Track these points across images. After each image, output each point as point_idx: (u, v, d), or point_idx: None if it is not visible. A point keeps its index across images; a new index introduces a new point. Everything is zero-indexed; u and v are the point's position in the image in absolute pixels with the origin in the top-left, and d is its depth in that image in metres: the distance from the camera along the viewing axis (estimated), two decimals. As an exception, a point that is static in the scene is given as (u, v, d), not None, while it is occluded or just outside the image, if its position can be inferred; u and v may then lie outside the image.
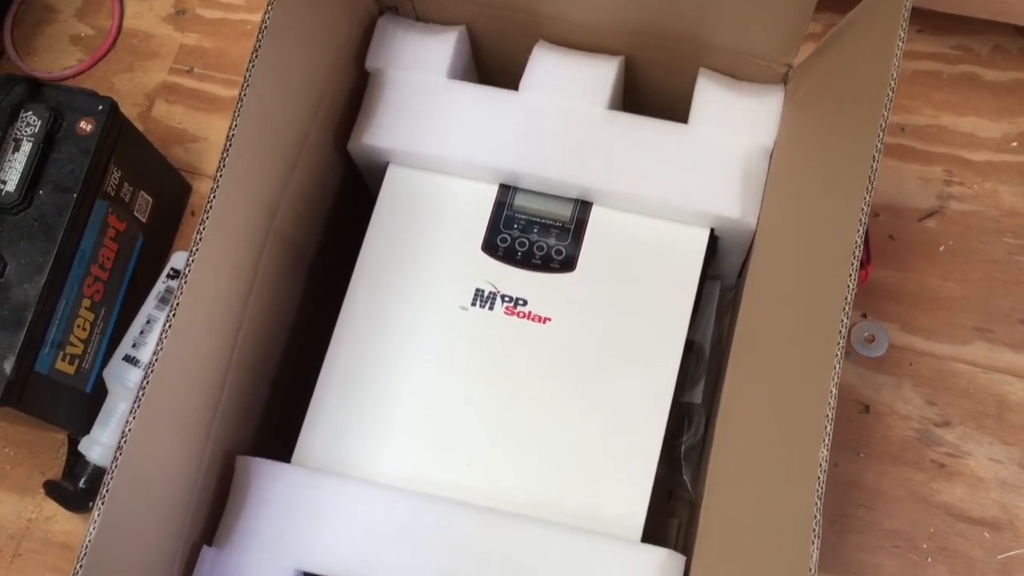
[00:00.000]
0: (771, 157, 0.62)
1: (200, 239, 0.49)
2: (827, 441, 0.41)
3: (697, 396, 0.67)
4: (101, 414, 0.70)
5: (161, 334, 0.49)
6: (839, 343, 0.44)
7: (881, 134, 0.47)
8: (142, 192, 0.73)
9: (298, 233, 0.64)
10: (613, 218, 0.63)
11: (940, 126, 0.76)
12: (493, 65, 0.69)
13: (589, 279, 0.62)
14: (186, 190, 0.80)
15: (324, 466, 0.59)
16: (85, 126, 0.67)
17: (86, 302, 0.68)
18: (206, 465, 0.57)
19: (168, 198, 0.77)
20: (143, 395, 0.48)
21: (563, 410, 0.59)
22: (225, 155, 0.52)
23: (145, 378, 0.48)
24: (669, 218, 0.62)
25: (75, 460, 0.71)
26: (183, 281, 0.48)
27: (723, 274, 0.69)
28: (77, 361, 0.69)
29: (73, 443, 0.72)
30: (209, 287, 0.53)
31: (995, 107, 0.76)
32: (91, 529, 0.45)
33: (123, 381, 0.70)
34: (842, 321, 0.44)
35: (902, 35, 0.49)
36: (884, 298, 0.72)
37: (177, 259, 0.73)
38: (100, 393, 0.71)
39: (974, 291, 0.72)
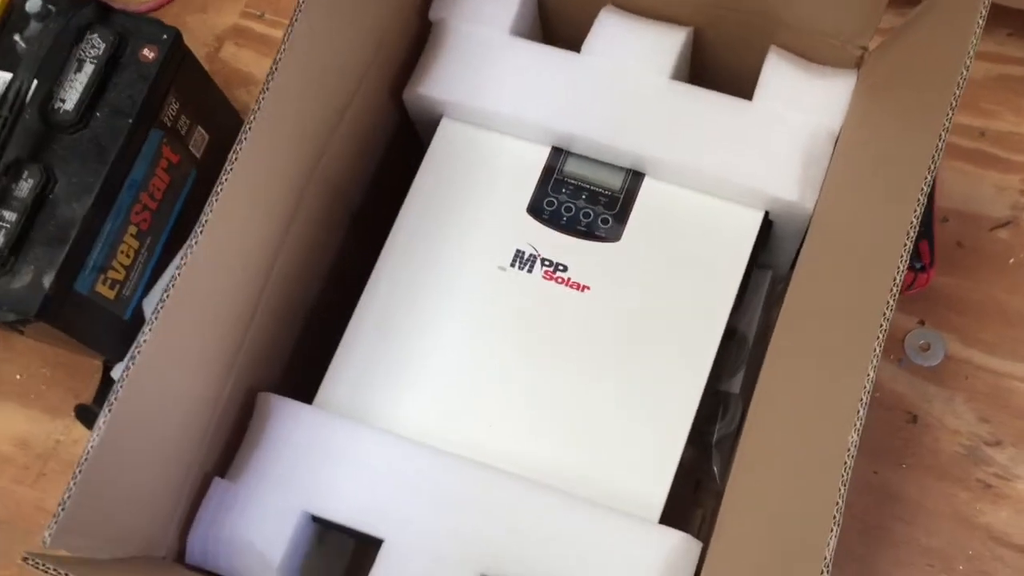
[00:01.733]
0: (836, 142, 0.59)
1: (236, 160, 0.49)
2: (858, 426, 0.39)
3: (735, 386, 0.64)
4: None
5: (182, 256, 0.48)
6: (879, 336, 0.41)
7: (945, 131, 0.45)
8: (199, 127, 0.73)
9: (344, 178, 0.63)
10: (664, 191, 0.61)
11: (1021, 134, 0.72)
12: (559, 26, 0.68)
13: (633, 252, 0.60)
14: (244, 132, 0.80)
15: (345, 411, 0.58)
16: (148, 53, 0.67)
17: (132, 229, 0.69)
18: (226, 398, 0.56)
19: (225, 137, 0.77)
20: (161, 309, 0.47)
21: (592, 381, 0.57)
22: (269, 82, 0.51)
23: (166, 292, 0.47)
24: (723, 196, 0.60)
25: (107, 386, 0.71)
26: (214, 198, 0.48)
27: (775, 264, 0.67)
28: (118, 287, 0.69)
29: (107, 369, 0.73)
30: (240, 216, 0.53)
31: (1084, 118, 0.72)
32: (90, 444, 0.45)
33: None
34: (884, 314, 0.42)
35: (979, 25, 0.46)
36: (945, 306, 0.69)
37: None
38: (137, 321, 0.71)
39: (1037, 303, 0.68)
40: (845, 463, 0.39)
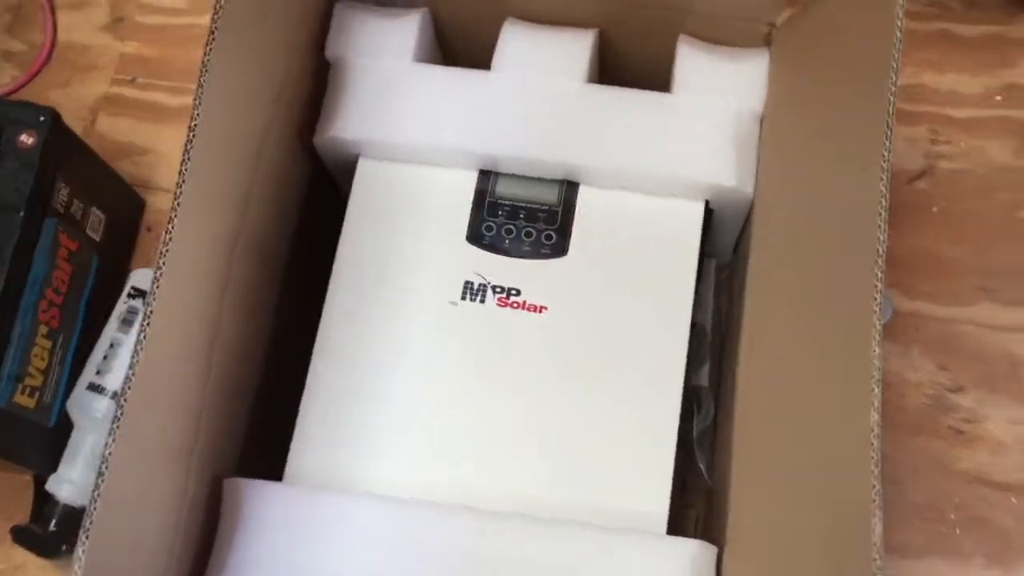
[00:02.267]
0: (761, 122, 0.59)
1: (166, 252, 0.45)
2: (876, 405, 0.38)
3: (703, 378, 0.63)
4: (68, 449, 0.65)
5: (133, 355, 0.44)
6: (875, 309, 0.41)
7: (892, 91, 0.45)
8: (93, 209, 0.68)
9: (267, 238, 0.59)
10: (602, 197, 0.59)
11: (921, 85, 0.74)
12: (458, 48, 0.66)
13: (583, 263, 0.58)
14: (139, 205, 0.75)
15: (320, 482, 0.54)
16: (26, 139, 0.62)
17: (43, 329, 0.63)
18: (191, 493, 0.52)
19: (121, 214, 0.72)
20: (120, 422, 0.43)
21: (569, 402, 0.55)
22: (186, 161, 0.47)
23: (120, 403, 0.43)
24: (661, 193, 0.59)
25: (43, 501, 0.65)
26: (152, 297, 0.44)
27: (717, 251, 0.66)
28: (37, 394, 0.64)
29: (39, 483, 0.67)
30: (180, 301, 0.49)
31: (973, 62, 0.74)
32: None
33: (89, 411, 0.65)
34: (876, 285, 0.41)
35: None
36: (882, 264, 0.69)
37: (137, 277, 0.68)
38: (64, 427, 0.66)
39: (973, 251, 0.69)
40: (872, 444, 0.38)
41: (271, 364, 0.61)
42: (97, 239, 0.69)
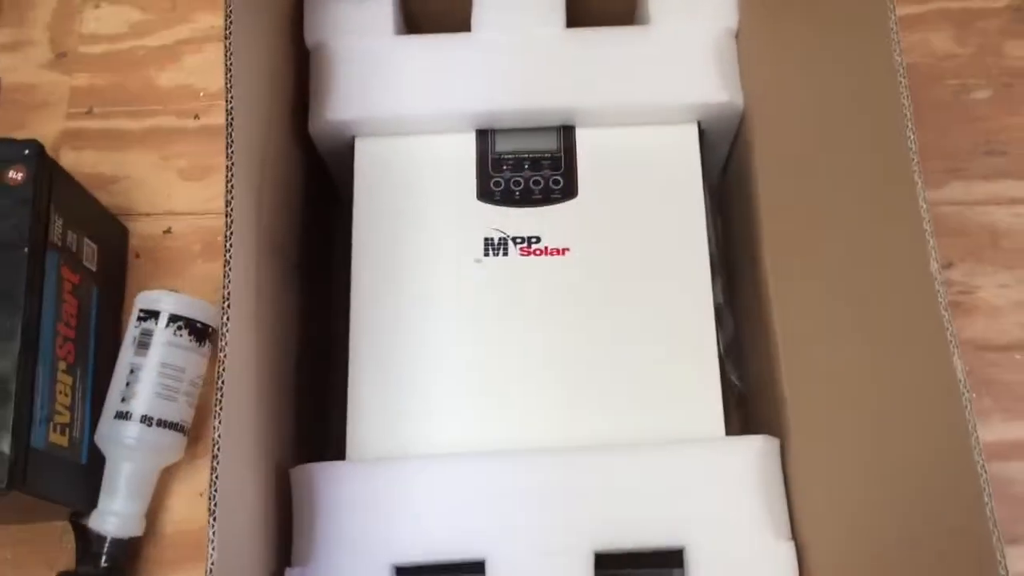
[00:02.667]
0: (737, 39, 0.61)
1: (229, 281, 0.44)
2: (943, 299, 0.40)
3: (718, 296, 0.66)
4: (105, 481, 0.64)
5: (218, 382, 0.44)
6: (927, 228, 0.43)
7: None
8: (86, 239, 0.67)
9: (281, 235, 0.59)
10: (600, 135, 0.61)
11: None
12: (425, 17, 0.67)
13: (594, 200, 0.60)
14: (124, 233, 0.74)
15: (382, 454, 0.55)
16: (15, 175, 0.61)
17: (62, 365, 0.62)
18: (266, 486, 0.52)
19: (110, 243, 0.71)
20: (218, 441, 0.43)
21: (609, 333, 0.57)
22: (230, 181, 0.46)
23: (215, 422, 0.43)
24: (655, 121, 0.61)
25: (88, 540, 0.64)
26: (225, 321, 0.44)
27: (706, 175, 0.68)
28: (67, 430, 0.63)
29: (77, 524, 0.66)
30: (239, 315, 0.49)
31: (903, -36, 0.78)
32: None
33: (120, 440, 0.64)
34: (916, 182, 0.43)
35: None
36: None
37: (144, 300, 0.67)
38: (96, 462, 0.65)
39: (935, 137, 0.73)
40: (952, 352, 0.40)
41: (302, 356, 0.61)
42: (94, 270, 0.68)
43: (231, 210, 0.44)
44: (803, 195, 0.55)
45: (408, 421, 0.56)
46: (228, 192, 0.44)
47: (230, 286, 0.43)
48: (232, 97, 0.46)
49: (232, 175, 0.44)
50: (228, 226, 0.44)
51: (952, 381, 0.40)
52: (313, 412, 0.62)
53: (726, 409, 0.57)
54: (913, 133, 0.44)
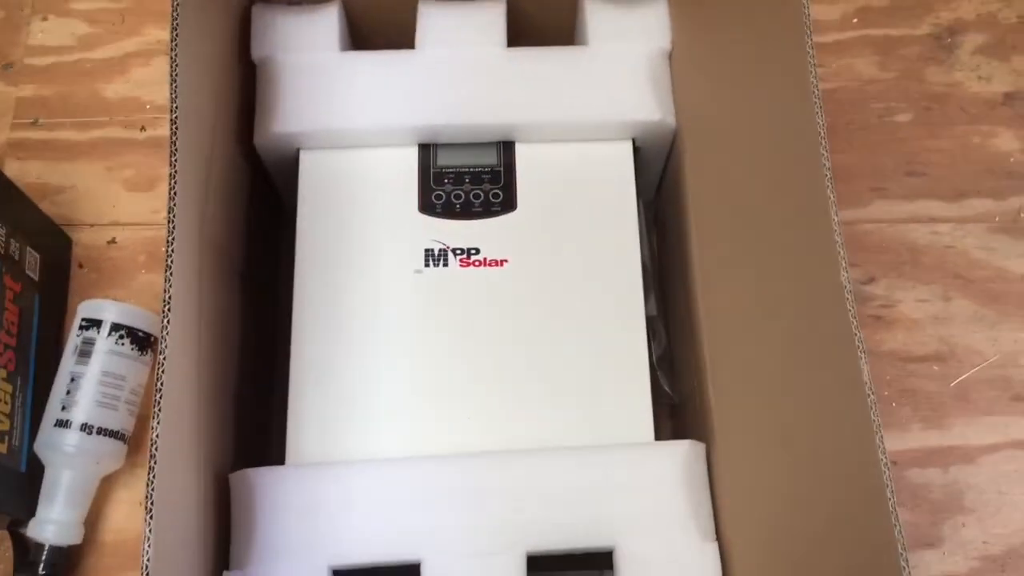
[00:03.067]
0: (671, 59, 0.64)
1: (170, 287, 0.45)
2: (852, 311, 0.43)
3: (652, 309, 0.68)
4: (44, 489, 0.64)
5: (156, 382, 0.44)
6: (835, 226, 0.45)
7: (807, 19, 0.50)
8: (29, 249, 0.67)
9: (225, 245, 0.60)
10: (538, 151, 0.63)
11: None
12: (367, 35, 0.68)
13: (533, 213, 0.62)
14: (68, 242, 0.74)
15: (321, 460, 0.56)
16: (-42, 184, 0.61)
17: (1, 372, 0.63)
18: (204, 492, 0.53)
19: (53, 253, 0.72)
20: (156, 444, 0.44)
21: (544, 344, 0.59)
22: (173, 194, 0.47)
23: (154, 427, 0.44)
24: (592, 138, 0.63)
25: (26, 548, 0.65)
26: (164, 330, 0.45)
27: (642, 191, 0.71)
28: (7, 438, 0.63)
29: (15, 533, 0.66)
30: (180, 324, 0.50)
31: (828, -8, 0.82)
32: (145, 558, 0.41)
33: (60, 448, 0.64)
34: (829, 197, 0.46)
35: None
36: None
37: (86, 308, 0.67)
38: (36, 470, 0.65)
39: (860, 157, 0.77)
40: (863, 374, 0.43)
41: (246, 363, 0.62)
42: (36, 279, 0.68)
43: (173, 217, 0.45)
44: (729, 212, 0.57)
45: (347, 427, 0.57)
46: (171, 199, 0.45)
47: (171, 290, 0.44)
48: (176, 107, 0.47)
49: (175, 183, 0.46)
50: (170, 232, 0.45)
51: (859, 385, 0.43)
52: (256, 419, 0.63)
53: (659, 419, 0.59)
54: (827, 152, 0.46)
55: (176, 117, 0.47)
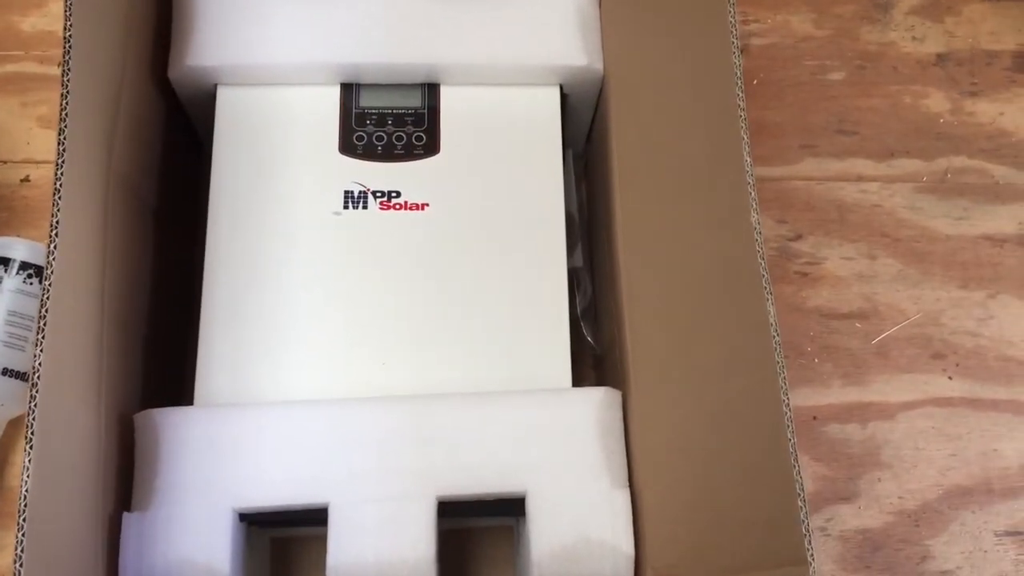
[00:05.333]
0: (600, 5, 0.63)
1: (58, 220, 0.44)
2: (760, 256, 0.43)
3: (578, 260, 0.68)
4: None
5: (41, 311, 0.43)
6: (749, 182, 0.45)
7: None
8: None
9: (136, 179, 0.58)
10: (464, 94, 0.62)
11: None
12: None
13: (456, 158, 0.61)
14: (-23, 179, 0.72)
15: (230, 400, 0.55)
16: None
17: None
18: (104, 428, 0.52)
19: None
20: (40, 365, 0.42)
21: (464, 289, 0.58)
22: (63, 125, 0.45)
23: (36, 360, 0.42)
24: (518, 83, 0.62)
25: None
26: (51, 258, 0.43)
27: (572, 141, 0.70)
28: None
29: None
30: (72, 254, 0.48)
31: (767, -52, 0.81)
32: (21, 520, 0.40)
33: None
34: (745, 149, 0.46)
35: None
36: (716, 138, 0.75)
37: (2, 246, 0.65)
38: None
39: (791, 114, 0.77)
40: (771, 325, 0.42)
41: (159, 301, 0.61)
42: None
43: (63, 139, 0.44)
44: (650, 161, 0.56)
45: (258, 369, 0.56)
46: (62, 121, 0.43)
47: (59, 215, 0.42)
48: (71, 25, 0.45)
49: (67, 104, 0.44)
50: (60, 155, 0.43)
51: (765, 328, 0.42)
52: (170, 360, 0.62)
53: (582, 370, 0.58)
54: (743, 104, 0.46)
55: (70, 37, 0.45)
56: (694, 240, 0.52)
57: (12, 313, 0.63)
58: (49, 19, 0.77)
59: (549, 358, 0.57)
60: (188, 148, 0.67)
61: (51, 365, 0.42)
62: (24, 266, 0.64)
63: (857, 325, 0.72)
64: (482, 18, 0.61)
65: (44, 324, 0.42)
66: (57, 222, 0.43)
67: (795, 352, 0.70)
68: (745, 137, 0.46)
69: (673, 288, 0.54)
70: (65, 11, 0.46)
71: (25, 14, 0.77)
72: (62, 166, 0.43)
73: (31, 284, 0.64)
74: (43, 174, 0.73)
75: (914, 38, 0.79)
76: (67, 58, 0.44)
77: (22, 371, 0.63)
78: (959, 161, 0.76)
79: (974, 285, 0.72)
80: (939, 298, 0.72)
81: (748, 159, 0.45)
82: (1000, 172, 0.75)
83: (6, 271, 0.64)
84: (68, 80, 0.44)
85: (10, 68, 0.75)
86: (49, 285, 0.42)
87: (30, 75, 0.75)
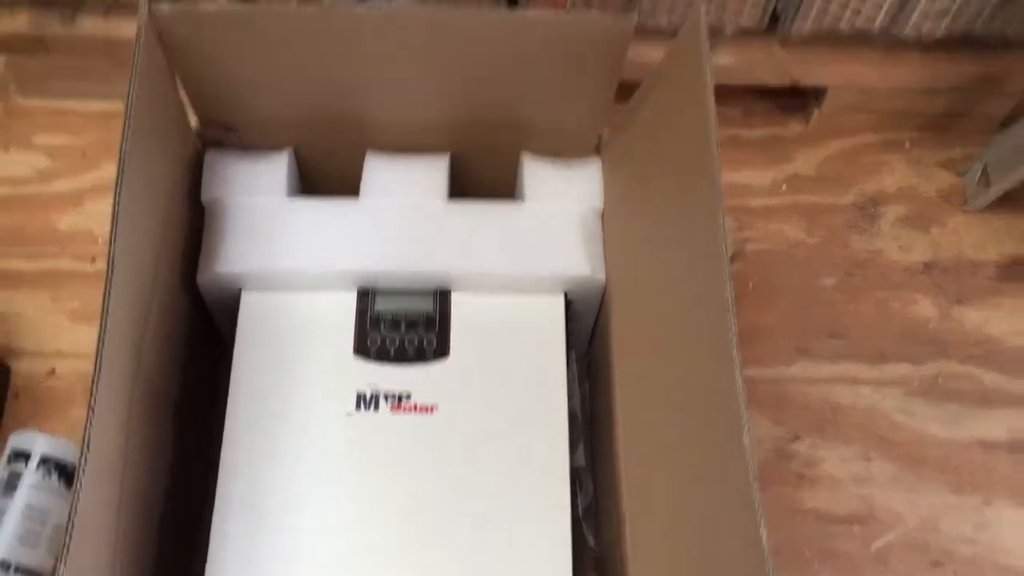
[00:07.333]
0: (603, 218, 0.67)
1: (93, 417, 0.46)
2: (752, 467, 0.45)
3: (580, 459, 0.69)
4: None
5: (67, 526, 0.45)
6: (737, 377, 0.47)
7: (716, 176, 0.53)
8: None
9: (160, 379, 0.61)
10: (473, 300, 0.66)
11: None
12: (320, 183, 0.71)
13: (464, 361, 0.64)
14: (5, 371, 0.75)
15: (241, 601, 0.56)
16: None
17: (-78, 500, 0.62)
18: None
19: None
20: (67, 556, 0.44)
21: (468, 491, 0.60)
22: (105, 323, 0.49)
23: (65, 542, 0.44)
24: (525, 291, 0.66)
25: None
26: (82, 468, 0.45)
27: (575, 343, 0.73)
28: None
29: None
30: (100, 453, 0.50)
31: (760, 160, 0.87)
32: None
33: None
34: (732, 342, 0.48)
35: (709, 87, 0.55)
36: (714, 339, 0.79)
37: (16, 440, 0.67)
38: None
39: (786, 318, 0.80)
40: (751, 489, 0.44)
41: (172, 497, 0.62)
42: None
43: (101, 357, 0.47)
44: (648, 365, 0.59)
45: (269, 563, 0.57)
46: (102, 327, 0.47)
47: (91, 429, 0.45)
48: (116, 239, 0.49)
49: (108, 313, 0.47)
50: (96, 371, 0.46)
51: (757, 543, 0.44)
52: (183, 551, 0.63)
53: (583, 572, 0.59)
54: (734, 317, 0.49)
55: (114, 252, 0.49)
56: (689, 439, 0.54)
57: (30, 508, 0.65)
58: (84, 217, 0.82)
59: (550, 562, 0.58)
60: (209, 344, 0.70)
61: (77, 546, 0.44)
62: (43, 460, 0.66)
63: (855, 529, 0.72)
64: (492, 230, 0.66)
65: (69, 541, 0.43)
66: (89, 437, 0.45)
67: (792, 556, 0.71)
68: (734, 339, 0.48)
69: (672, 490, 0.55)
70: (113, 213, 0.50)
71: (63, 212, 0.82)
72: (97, 382, 0.46)
73: (49, 479, 0.66)
74: (69, 367, 0.76)
75: (900, 247, 0.83)
76: (111, 260, 0.48)
77: (34, 569, 0.64)
78: (949, 366, 0.78)
79: (969, 490, 0.74)
80: (933, 504, 0.73)
81: (738, 365, 0.48)
82: (989, 378, 0.78)
83: (26, 466, 0.66)
84: (111, 281, 0.47)
85: (45, 264, 0.80)
86: (77, 501, 0.44)
87: (65, 272, 0.79)
